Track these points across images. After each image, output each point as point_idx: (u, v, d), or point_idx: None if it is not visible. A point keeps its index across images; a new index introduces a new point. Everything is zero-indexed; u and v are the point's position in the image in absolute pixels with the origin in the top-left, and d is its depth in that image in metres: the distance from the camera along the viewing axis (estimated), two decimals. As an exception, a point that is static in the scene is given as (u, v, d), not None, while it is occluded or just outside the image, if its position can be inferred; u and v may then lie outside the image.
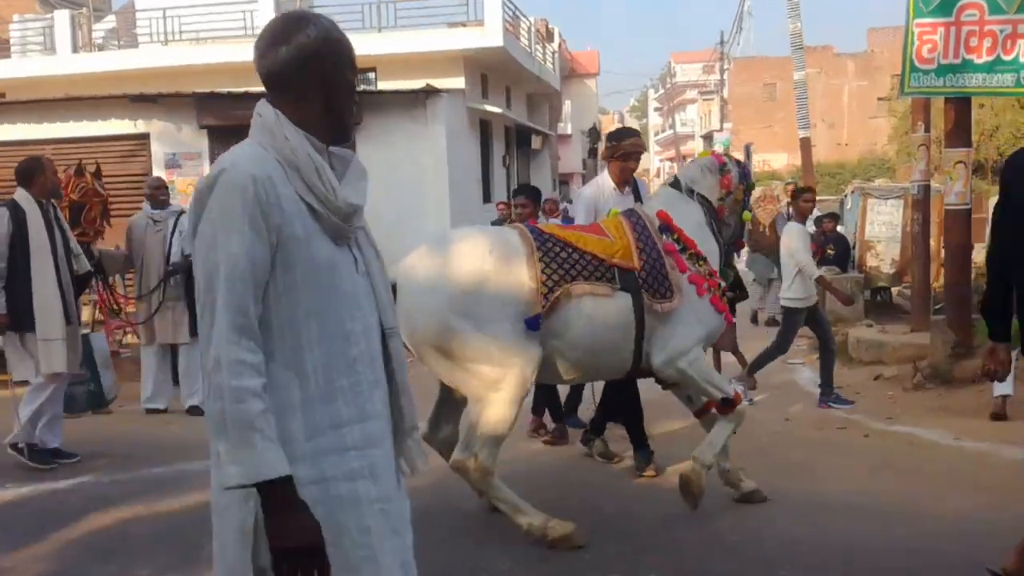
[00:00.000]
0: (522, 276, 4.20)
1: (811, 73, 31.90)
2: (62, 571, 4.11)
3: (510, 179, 20.72)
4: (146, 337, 7.61)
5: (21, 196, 5.83)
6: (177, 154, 14.15)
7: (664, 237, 4.57)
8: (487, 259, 4.21)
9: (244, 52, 16.49)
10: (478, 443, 4.14)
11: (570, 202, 28.27)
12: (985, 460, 5.72)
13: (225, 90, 14.73)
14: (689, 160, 5.00)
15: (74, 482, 5.44)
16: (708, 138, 47.47)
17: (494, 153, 19.00)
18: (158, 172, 14.15)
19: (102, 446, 6.34)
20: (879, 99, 35.77)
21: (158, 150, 14.21)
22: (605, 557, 4.11)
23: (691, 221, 4.72)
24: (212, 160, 14.30)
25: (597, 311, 4.31)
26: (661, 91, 72.20)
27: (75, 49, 17.76)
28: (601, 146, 9.07)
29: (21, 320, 5.67)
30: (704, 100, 52.87)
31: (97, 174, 7.42)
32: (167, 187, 8.02)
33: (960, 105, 8.04)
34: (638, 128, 74.23)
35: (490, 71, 18.79)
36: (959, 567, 3.85)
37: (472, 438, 4.18)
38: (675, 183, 4.98)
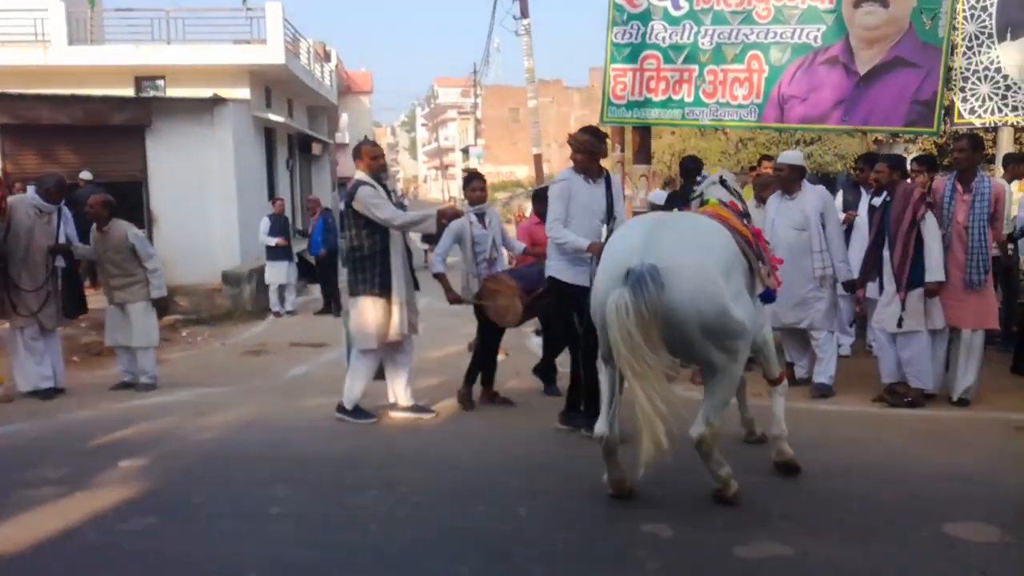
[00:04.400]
0: (740, 255, 3.98)
1: (545, 102, 33.54)
2: None
3: (293, 180, 20.39)
4: (17, 321, 6.67)
5: (361, 175, 5.65)
6: (-34, 150, 12.83)
7: (744, 222, 4.44)
8: (726, 241, 3.94)
9: (34, 56, 15.26)
10: (713, 412, 3.86)
11: (347, 202, 28.18)
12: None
13: (17, 91, 13.51)
14: (719, 171, 5.00)
15: None
16: (465, 151, 48.57)
17: (278, 157, 18.63)
18: (-54, 166, 12.82)
19: None
20: (600, 123, 38.15)
21: (-54, 145, 12.82)
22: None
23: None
24: (5, 157, 13.12)
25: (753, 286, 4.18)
26: (427, 109, 72.78)
27: None
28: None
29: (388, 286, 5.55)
30: (462, 119, 53.96)
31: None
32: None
33: (643, 132, 9.00)
34: (409, 140, 73.44)
35: (273, 84, 18.40)
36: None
37: (708, 410, 3.86)
38: (723, 183, 4.76)
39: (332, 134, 27.35)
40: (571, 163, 5.38)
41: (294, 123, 20.16)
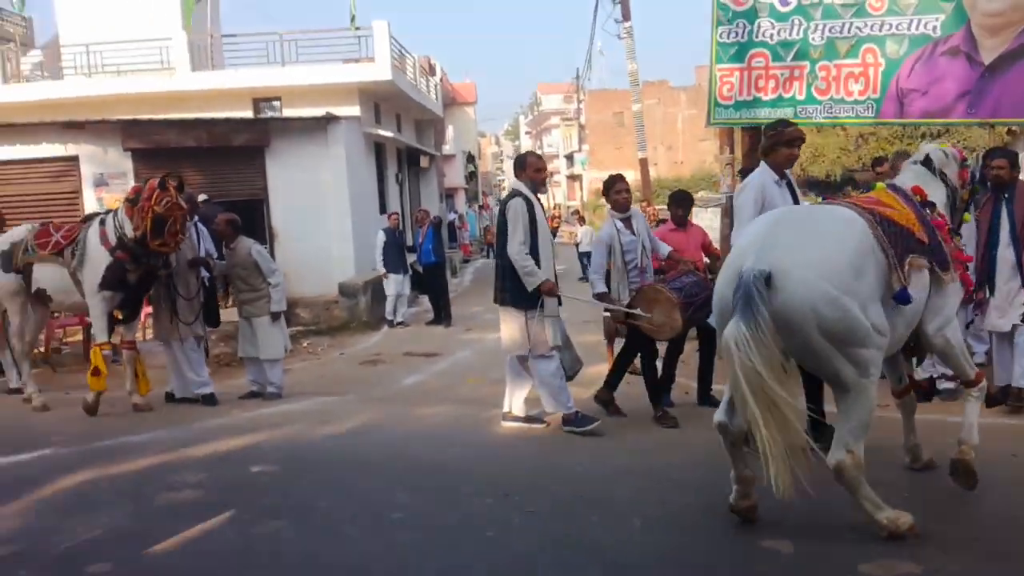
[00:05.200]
0: (878, 252, 3.58)
1: (650, 104, 33.27)
2: (32, 526, 4.21)
3: (403, 193, 20.97)
4: (174, 332, 7.18)
5: (520, 185, 5.65)
6: (104, 174, 13.87)
7: (927, 211, 4.05)
8: (859, 237, 3.57)
9: (161, 83, 16.32)
10: (851, 436, 3.50)
11: (456, 212, 28.70)
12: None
13: (147, 117, 14.50)
14: (932, 144, 4.87)
15: (36, 454, 5.50)
16: (570, 158, 48.67)
17: (388, 171, 19.20)
18: (88, 191, 13.89)
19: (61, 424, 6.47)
20: (707, 125, 37.49)
21: (87, 171, 13.88)
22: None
23: (938, 202, 4.19)
24: (136, 179, 14.09)
25: (919, 283, 3.78)
26: (530, 117, 73.34)
27: (5, 80, 17.04)
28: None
29: (535, 299, 5.49)
30: (565, 125, 54.09)
31: (179, 187, 6.65)
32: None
33: (753, 133, 8.83)
34: (513, 148, 74.51)
35: (382, 101, 18.99)
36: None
37: (844, 434, 3.51)
38: (926, 162, 4.33)
39: (439, 146, 27.97)
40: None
41: (402, 137, 20.74)
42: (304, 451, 5.42)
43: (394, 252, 13.12)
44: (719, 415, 3.76)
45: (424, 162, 23.70)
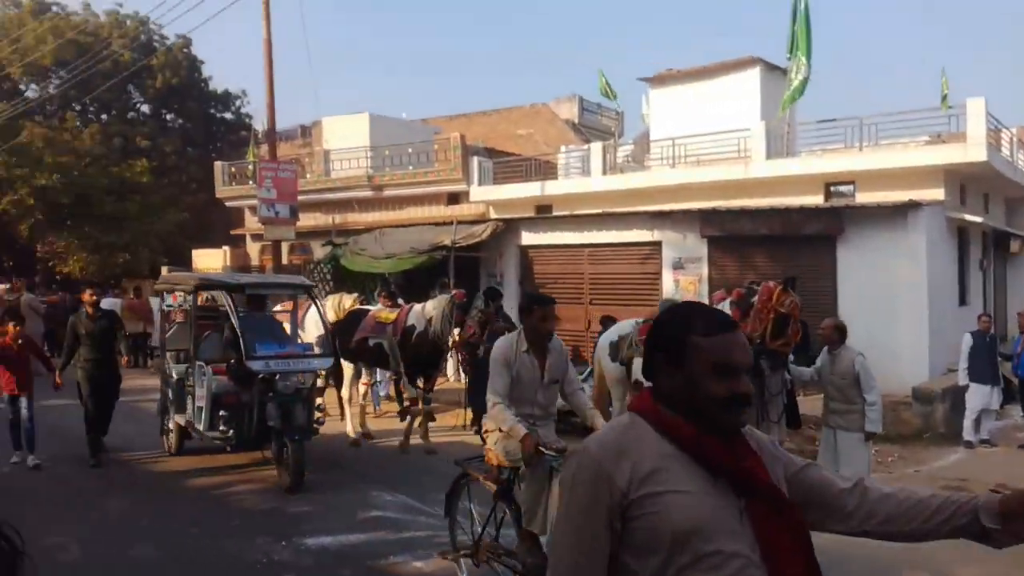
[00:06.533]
0: None
1: None
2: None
3: (986, 282, 18.81)
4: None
5: None
6: (682, 258, 15.24)
7: None
8: None
9: (737, 171, 17.36)
10: None
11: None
12: None
13: (722, 204, 15.54)
14: None
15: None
16: None
17: (970, 258, 17.42)
18: (666, 273, 15.41)
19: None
20: None
21: (667, 255, 15.43)
22: None
23: None
24: (711, 264, 15.16)
25: None
26: None
27: (604, 171, 19.96)
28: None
29: None
30: None
31: (792, 286, 6.80)
32: None
33: None
34: None
35: (969, 181, 17.36)
36: None
37: None
38: None
39: (1033, 225, 24.43)
40: None
41: (990, 220, 18.64)
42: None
43: (983, 359, 11.65)
44: None
45: (1015, 246, 20.89)
